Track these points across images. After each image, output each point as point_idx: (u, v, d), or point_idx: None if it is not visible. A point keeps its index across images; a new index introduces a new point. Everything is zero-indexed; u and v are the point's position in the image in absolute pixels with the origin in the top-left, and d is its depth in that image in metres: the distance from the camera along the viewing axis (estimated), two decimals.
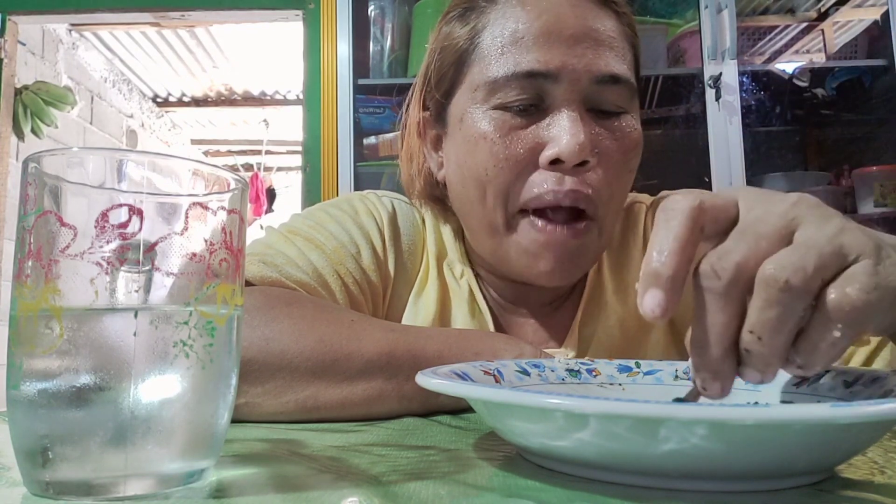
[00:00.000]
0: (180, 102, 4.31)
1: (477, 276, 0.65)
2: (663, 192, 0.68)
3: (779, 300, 0.25)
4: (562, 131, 0.51)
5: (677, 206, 0.28)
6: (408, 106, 0.67)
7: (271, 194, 4.23)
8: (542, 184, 0.52)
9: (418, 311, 0.63)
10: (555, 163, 0.52)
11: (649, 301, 0.27)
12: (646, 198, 0.69)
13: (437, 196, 0.64)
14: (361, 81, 1.76)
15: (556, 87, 0.52)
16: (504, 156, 0.53)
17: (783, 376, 0.38)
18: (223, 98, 4.26)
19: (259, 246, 0.59)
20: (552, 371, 0.41)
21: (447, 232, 0.66)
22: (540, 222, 0.53)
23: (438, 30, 0.62)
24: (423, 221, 0.67)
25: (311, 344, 0.44)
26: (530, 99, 0.53)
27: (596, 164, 0.53)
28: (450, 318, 0.63)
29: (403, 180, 0.68)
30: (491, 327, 0.62)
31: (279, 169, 4.97)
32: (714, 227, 0.28)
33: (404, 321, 0.63)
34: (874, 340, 0.54)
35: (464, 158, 0.56)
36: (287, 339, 0.45)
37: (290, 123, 4.34)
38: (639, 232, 0.65)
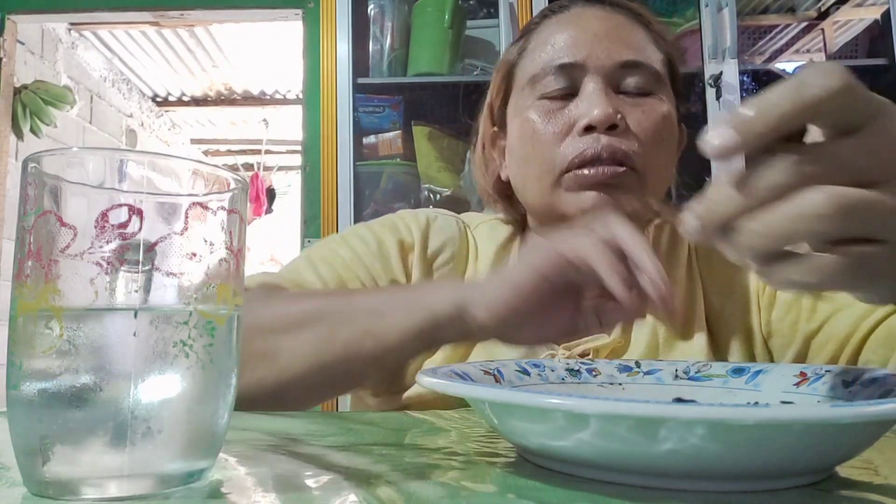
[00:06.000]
0: (180, 102, 4.30)
1: None
2: None
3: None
4: (590, 103, 0.59)
5: (820, 81, 0.26)
6: (476, 129, 0.77)
7: (271, 194, 4.23)
8: (581, 145, 0.59)
9: None
10: (589, 130, 0.59)
11: (712, 134, 0.27)
12: None
13: (505, 193, 0.72)
14: (361, 80, 1.76)
15: (584, 73, 0.61)
16: (544, 131, 0.62)
17: (783, 376, 0.38)
18: (223, 98, 4.26)
19: (282, 269, 0.67)
20: (552, 371, 0.41)
21: (504, 235, 0.71)
22: (584, 170, 0.59)
23: (499, 61, 0.73)
24: (467, 228, 0.73)
25: (268, 311, 0.51)
26: (565, 88, 0.62)
27: (625, 129, 0.59)
28: None
29: (478, 188, 0.78)
30: None
31: (279, 168, 4.97)
32: (839, 119, 0.27)
33: None
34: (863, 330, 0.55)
35: (517, 143, 0.66)
36: (254, 313, 0.49)
37: (289, 123, 4.34)
38: (685, 243, 0.69)
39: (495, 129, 0.72)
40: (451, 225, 0.71)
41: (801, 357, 0.60)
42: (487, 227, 0.72)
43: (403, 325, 0.46)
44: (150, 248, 0.24)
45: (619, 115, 0.59)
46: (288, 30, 2.73)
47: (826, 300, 0.59)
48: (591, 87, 0.60)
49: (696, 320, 0.64)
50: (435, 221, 0.71)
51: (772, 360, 0.61)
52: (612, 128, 0.58)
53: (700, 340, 0.62)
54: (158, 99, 4.25)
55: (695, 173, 0.80)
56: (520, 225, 0.73)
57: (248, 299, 0.51)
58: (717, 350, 0.63)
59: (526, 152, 0.64)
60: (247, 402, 0.44)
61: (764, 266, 0.29)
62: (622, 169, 0.59)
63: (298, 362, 0.49)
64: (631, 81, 0.62)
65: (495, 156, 0.72)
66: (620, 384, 0.41)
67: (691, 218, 0.29)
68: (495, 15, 1.75)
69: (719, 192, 0.29)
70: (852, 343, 0.56)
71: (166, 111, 4.39)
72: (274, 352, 0.49)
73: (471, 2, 1.86)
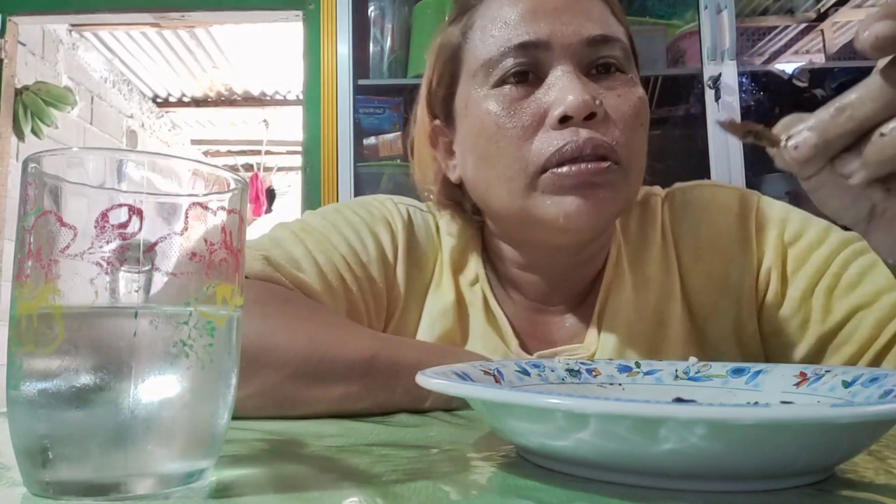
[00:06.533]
0: (180, 103, 4.31)
1: (499, 278, 0.64)
2: (677, 185, 0.67)
3: None
4: (563, 90, 0.52)
5: None
6: (413, 120, 0.68)
7: (271, 194, 4.23)
8: (557, 140, 0.52)
9: (434, 321, 0.62)
10: (564, 121, 0.52)
11: (876, 27, 0.28)
12: (659, 190, 0.67)
13: (455, 198, 0.65)
14: (361, 82, 1.76)
15: (549, 54, 0.54)
16: (510, 125, 0.53)
17: (783, 376, 0.38)
18: (223, 98, 4.26)
19: (266, 241, 0.59)
20: (552, 371, 0.41)
21: (463, 238, 0.65)
22: (564, 168, 0.52)
23: (435, 43, 0.64)
24: (438, 229, 0.67)
25: (301, 342, 0.46)
26: (526, 68, 0.54)
27: (604, 116, 0.53)
28: (468, 325, 0.62)
29: (419, 192, 0.69)
30: (510, 332, 0.61)
31: (279, 169, 4.97)
32: None
33: (420, 333, 0.62)
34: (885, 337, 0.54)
35: (474, 140, 0.57)
36: (280, 335, 0.46)
37: (290, 123, 4.34)
38: (657, 225, 0.63)
39: (437, 122, 0.63)
40: (429, 224, 0.67)
41: (809, 358, 0.57)
42: (446, 224, 0.66)
43: (437, 403, 0.48)
44: (150, 248, 0.25)
45: (597, 102, 0.52)
46: (288, 31, 2.73)
47: (842, 299, 0.55)
48: (560, 71, 0.53)
49: (671, 337, 0.59)
50: (415, 217, 0.66)
51: (770, 360, 0.60)
52: (590, 116, 0.51)
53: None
54: (159, 100, 4.25)
55: (694, 174, 0.78)
56: (477, 226, 0.65)
57: (263, 308, 0.47)
58: (707, 357, 0.61)
59: (488, 151, 0.55)
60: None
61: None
62: (606, 164, 0.52)
63: (316, 411, 0.45)
64: (601, 60, 0.54)
65: (438, 155, 0.64)
66: (620, 384, 0.41)
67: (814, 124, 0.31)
68: None
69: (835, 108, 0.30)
70: (875, 347, 0.53)
71: (167, 112, 4.39)
72: (293, 403, 0.45)
73: None
